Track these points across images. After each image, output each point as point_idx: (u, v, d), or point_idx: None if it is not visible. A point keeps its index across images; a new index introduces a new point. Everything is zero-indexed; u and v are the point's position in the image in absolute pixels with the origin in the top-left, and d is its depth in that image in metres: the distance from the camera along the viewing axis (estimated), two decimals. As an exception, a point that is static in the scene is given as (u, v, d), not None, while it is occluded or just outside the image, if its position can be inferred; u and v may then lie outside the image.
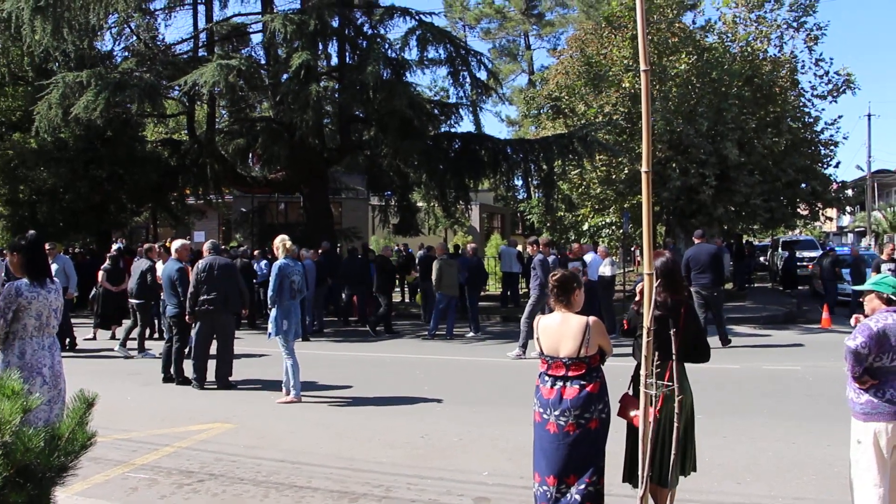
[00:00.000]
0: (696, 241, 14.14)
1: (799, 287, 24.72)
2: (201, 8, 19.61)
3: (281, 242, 9.64)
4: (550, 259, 13.21)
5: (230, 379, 10.04)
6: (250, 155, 23.76)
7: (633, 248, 23.09)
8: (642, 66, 4.09)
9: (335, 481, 5.96)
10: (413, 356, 12.80)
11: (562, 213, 25.67)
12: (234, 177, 21.08)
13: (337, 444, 7.14)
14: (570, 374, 4.35)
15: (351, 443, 7.16)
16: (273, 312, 9.26)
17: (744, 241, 31.01)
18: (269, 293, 9.35)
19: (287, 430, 7.74)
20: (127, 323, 13.30)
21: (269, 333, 9.33)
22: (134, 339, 12.73)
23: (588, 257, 15.23)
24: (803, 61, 23.88)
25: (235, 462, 6.49)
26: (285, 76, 17.22)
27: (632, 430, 4.49)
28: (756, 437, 7.19)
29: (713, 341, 12.93)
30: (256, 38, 20.49)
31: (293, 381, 9.02)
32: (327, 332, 16.13)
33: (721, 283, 14.08)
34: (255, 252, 17.96)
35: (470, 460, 6.56)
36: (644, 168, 4.04)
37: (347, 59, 19.20)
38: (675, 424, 4.17)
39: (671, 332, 4.28)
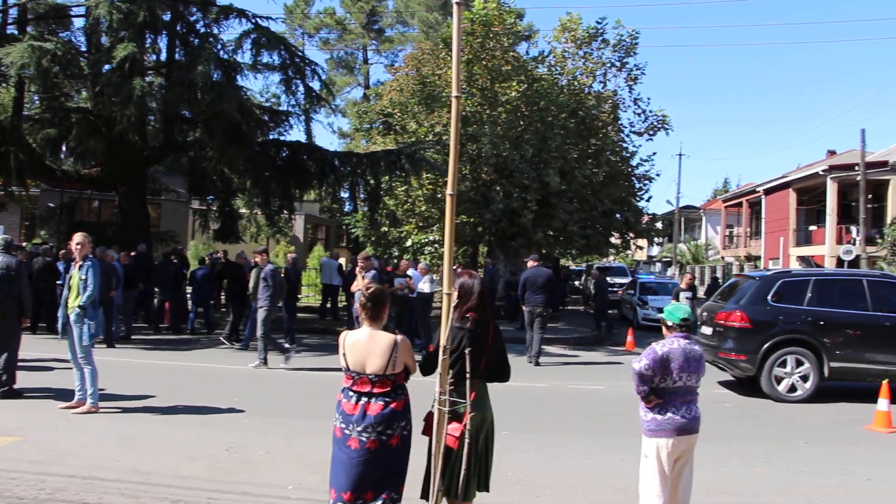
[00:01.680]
0: (532, 263, 14.82)
1: (609, 311, 26.02)
2: (14, -22, 18.12)
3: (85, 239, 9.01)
4: (370, 274, 13.24)
5: (14, 387, 9.23)
6: (62, 147, 22.17)
7: (454, 267, 23.41)
8: (454, 93, 4.18)
9: (129, 497, 5.63)
10: (226, 366, 12.40)
11: (386, 229, 25.78)
12: (42, 169, 19.58)
13: (135, 457, 6.74)
14: (376, 390, 4.34)
15: (150, 456, 6.80)
16: (96, 314, 8.72)
17: (560, 265, 32.30)
18: (92, 293, 8.74)
19: (80, 443, 7.23)
20: None
21: (81, 336, 8.64)
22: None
23: (410, 273, 15.49)
24: (624, 99, 25.36)
25: (16, 479, 5.94)
26: (107, 67, 16.30)
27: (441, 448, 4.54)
28: (557, 453, 7.47)
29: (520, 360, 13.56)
30: (79, 23, 19.14)
31: (91, 390, 8.48)
32: (135, 339, 15.31)
33: (552, 305, 14.73)
34: (61, 252, 16.77)
35: (275, 474, 6.41)
36: (449, 191, 4.16)
37: (177, 56, 18.39)
38: (467, 441, 4.27)
39: (481, 352, 4.44)
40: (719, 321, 11.58)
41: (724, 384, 12.06)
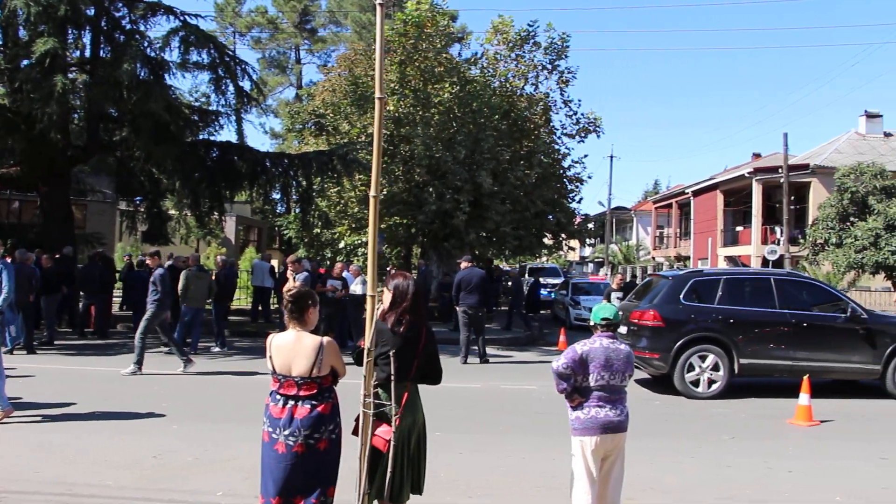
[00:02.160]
0: (465, 264, 15.12)
1: (541, 311, 26.28)
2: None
3: None
4: (301, 276, 13.10)
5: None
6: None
7: (388, 268, 23.38)
8: (377, 94, 4.17)
9: (49, 509, 5.45)
10: (152, 372, 12.06)
11: (319, 230, 25.56)
12: (-45, 168, 18.87)
13: (56, 467, 6.51)
14: (302, 393, 4.27)
15: (73, 465, 6.58)
16: (15, 318, 8.44)
17: (493, 266, 32.48)
18: (8, 297, 8.44)
19: (-5, 453, 6.95)
20: None
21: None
22: None
23: (342, 275, 15.41)
24: (555, 101, 25.64)
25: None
26: (26, 62, 15.75)
27: (371, 450, 4.48)
28: (490, 452, 7.50)
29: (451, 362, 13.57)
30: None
31: (-1, 394, 8.17)
32: (59, 345, 14.84)
33: (486, 305, 14.89)
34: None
35: (204, 480, 6.26)
36: (372, 193, 4.17)
37: (102, 53, 17.87)
38: (393, 444, 4.26)
39: (413, 354, 4.44)
40: (633, 320, 11.79)
41: (655, 383, 12.24)
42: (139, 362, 11.84)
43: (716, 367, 11.18)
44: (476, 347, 14.51)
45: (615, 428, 4.85)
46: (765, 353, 11.35)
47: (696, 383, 11.17)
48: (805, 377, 9.79)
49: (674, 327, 11.29)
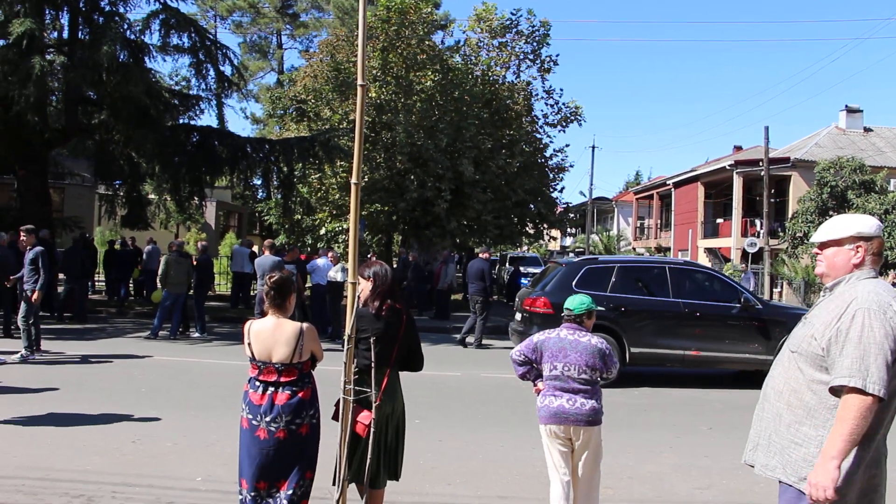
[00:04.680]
0: (483, 256, 16.23)
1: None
2: None
3: None
4: (270, 260, 13.16)
5: None
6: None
7: (368, 256, 23.37)
8: (359, 81, 4.15)
9: (27, 494, 5.39)
10: (133, 356, 12.00)
11: (300, 217, 25.47)
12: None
13: (34, 452, 6.47)
14: (282, 379, 4.28)
15: (51, 451, 6.54)
16: None
17: (474, 254, 32.51)
18: None
19: (-29, 438, 6.88)
20: None
21: None
22: None
23: (320, 261, 15.40)
24: (537, 90, 25.61)
25: None
26: (2, 42, 15.53)
27: (350, 436, 4.49)
28: (469, 440, 7.51)
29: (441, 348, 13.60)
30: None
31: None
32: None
33: (485, 293, 15.40)
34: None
35: (184, 466, 6.24)
36: (353, 180, 4.16)
37: (80, 35, 17.67)
38: (372, 430, 4.28)
39: (394, 340, 4.48)
40: (525, 307, 11.74)
41: (635, 376, 12.31)
42: (31, 346, 11.30)
43: None
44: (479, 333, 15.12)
45: (569, 419, 4.73)
46: (656, 342, 11.28)
47: None
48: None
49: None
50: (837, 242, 3.19)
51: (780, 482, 3.18)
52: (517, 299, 12.97)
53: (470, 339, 15.00)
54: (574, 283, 11.36)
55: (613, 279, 11.47)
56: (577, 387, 4.79)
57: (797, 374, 3.13)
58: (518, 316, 12.12)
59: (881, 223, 3.19)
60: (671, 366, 11.57)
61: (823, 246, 3.24)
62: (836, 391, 2.91)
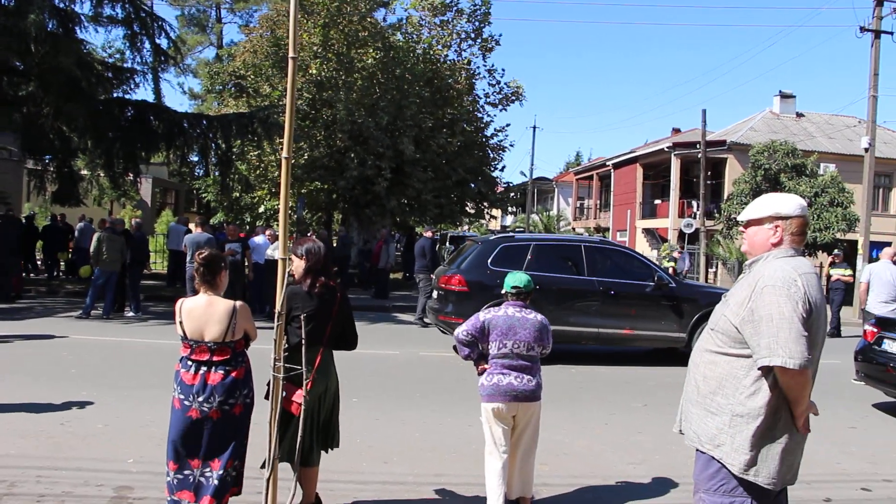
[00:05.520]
0: (427, 234, 16.73)
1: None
2: None
3: None
4: (203, 237, 13.00)
5: None
6: None
7: (308, 234, 23.17)
8: (290, 53, 4.09)
9: (-58, 480, 5.21)
10: (63, 337, 11.69)
11: (238, 194, 25.11)
12: None
13: (-46, 436, 6.26)
14: (215, 358, 4.22)
15: (-28, 434, 6.33)
16: None
17: (415, 233, 32.52)
18: None
19: None
20: None
21: None
22: None
23: (259, 239, 15.21)
24: (479, 69, 25.59)
25: None
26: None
27: (282, 414, 4.45)
28: (407, 419, 7.51)
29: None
30: None
31: None
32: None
33: (431, 270, 15.39)
34: None
35: (114, 448, 6.10)
36: (284, 154, 4.12)
37: (4, 1, 17.03)
38: (302, 407, 4.24)
39: (327, 318, 4.48)
40: (441, 285, 11.78)
41: (573, 354, 12.44)
42: None
43: None
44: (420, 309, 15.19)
45: (519, 396, 4.84)
46: (570, 319, 11.36)
47: None
48: None
49: (478, 292, 11.13)
50: (758, 221, 3.27)
51: (696, 450, 3.29)
52: (433, 277, 12.97)
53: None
54: (489, 260, 11.42)
55: (529, 257, 11.48)
56: (524, 364, 4.90)
57: (713, 348, 3.24)
58: (434, 294, 12.11)
59: (804, 203, 3.24)
60: (585, 343, 11.66)
61: (747, 225, 3.32)
62: (767, 371, 3.01)
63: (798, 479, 3.23)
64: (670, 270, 22.35)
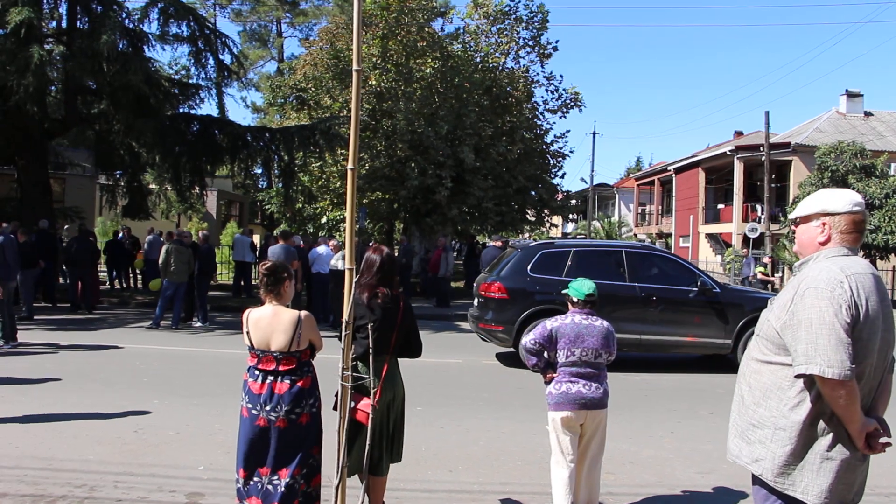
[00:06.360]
0: (494, 243, 16.82)
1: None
2: None
3: None
4: (280, 249, 13.14)
5: None
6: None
7: (370, 244, 23.35)
8: (354, 66, 4.13)
9: (29, 484, 5.39)
10: (134, 346, 12.01)
11: (301, 205, 25.47)
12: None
13: (35, 443, 6.46)
14: (281, 368, 4.27)
15: (52, 441, 6.53)
16: None
17: (476, 242, 32.53)
18: None
19: (-27, 428, 6.87)
20: None
21: None
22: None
23: (321, 249, 15.38)
24: (537, 76, 25.55)
25: None
26: (1, 31, 15.49)
27: (351, 423, 4.50)
28: (470, 427, 7.51)
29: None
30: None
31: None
32: (38, 320, 14.69)
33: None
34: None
35: (185, 455, 6.25)
36: (350, 165, 4.14)
37: (79, 24, 17.60)
38: (370, 416, 4.26)
39: (391, 327, 4.49)
40: (481, 293, 11.66)
41: (634, 360, 12.28)
42: (6, 336, 11.30)
43: None
44: None
45: (588, 404, 4.82)
46: (613, 325, 11.20)
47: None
48: None
49: (518, 299, 11.09)
50: (806, 219, 3.08)
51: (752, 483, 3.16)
52: (475, 285, 12.91)
53: None
54: (529, 267, 11.32)
55: (569, 263, 11.33)
56: (591, 371, 4.89)
57: (758, 356, 3.07)
58: (475, 301, 12.06)
59: (858, 200, 3.01)
60: (627, 350, 11.41)
61: (797, 223, 3.13)
62: (810, 382, 2.83)
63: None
64: (758, 275, 21.95)
